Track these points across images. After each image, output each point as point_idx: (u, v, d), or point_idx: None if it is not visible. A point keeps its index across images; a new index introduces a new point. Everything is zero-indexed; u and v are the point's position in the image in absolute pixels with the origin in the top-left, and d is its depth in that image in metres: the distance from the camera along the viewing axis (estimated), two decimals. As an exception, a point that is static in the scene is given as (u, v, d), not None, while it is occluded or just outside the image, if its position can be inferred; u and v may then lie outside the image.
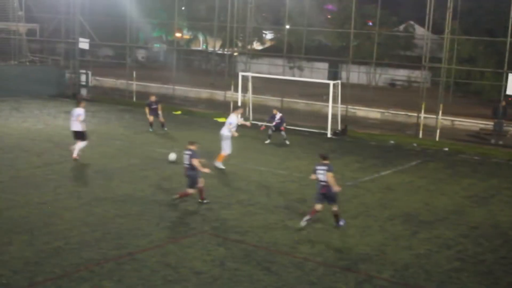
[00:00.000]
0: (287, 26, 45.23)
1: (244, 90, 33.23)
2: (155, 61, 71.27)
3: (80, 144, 21.50)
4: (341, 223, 15.76)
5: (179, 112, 35.56)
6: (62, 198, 17.32)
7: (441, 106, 30.74)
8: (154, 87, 46.13)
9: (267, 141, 26.84)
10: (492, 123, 31.39)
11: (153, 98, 29.52)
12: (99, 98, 39.77)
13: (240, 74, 32.78)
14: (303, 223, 15.43)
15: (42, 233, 14.28)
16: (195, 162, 16.89)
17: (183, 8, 59.13)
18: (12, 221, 15.08)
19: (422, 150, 27.71)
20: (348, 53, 37.19)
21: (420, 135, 30.60)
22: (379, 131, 32.39)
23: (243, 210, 16.90)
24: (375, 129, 33.16)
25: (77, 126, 21.54)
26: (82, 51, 42.27)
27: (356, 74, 53.34)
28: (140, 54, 69.37)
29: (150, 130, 28.85)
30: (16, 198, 16.96)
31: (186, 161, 17.17)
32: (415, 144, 28.78)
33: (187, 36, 70.40)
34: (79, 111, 21.64)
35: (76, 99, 21.77)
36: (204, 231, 14.94)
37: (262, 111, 32.95)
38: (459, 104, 40.68)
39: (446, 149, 27.93)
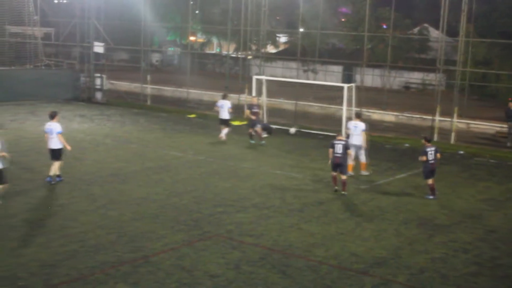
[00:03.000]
0: (301, 29, 45.20)
1: (258, 93, 33.22)
2: (169, 65, 71.53)
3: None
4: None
5: (193, 115, 35.62)
6: (77, 201, 17.40)
7: (456, 109, 30.58)
8: (168, 90, 46.27)
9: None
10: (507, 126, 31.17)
11: (254, 100, 28.06)
12: (114, 102, 39.95)
13: (254, 77, 32.76)
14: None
15: (58, 236, 14.35)
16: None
17: (197, 11, 59.30)
18: (28, 223, 15.17)
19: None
20: (362, 56, 37.12)
21: (435, 138, 30.42)
22: (394, 134, 32.27)
23: (258, 213, 16.88)
24: (390, 132, 33.04)
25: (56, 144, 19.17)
26: (97, 55, 42.46)
27: (370, 77, 53.19)
28: (155, 57, 69.62)
29: (251, 141, 27.18)
30: (32, 201, 17.06)
31: (339, 150, 18.99)
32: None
33: (201, 39, 70.61)
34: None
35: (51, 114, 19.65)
36: (219, 234, 14.94)
37: (276, 114, 32.94)
38: (475, 107, 40.42)
39: (462, 152, 27.77)
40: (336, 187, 19.35)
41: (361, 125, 21.66)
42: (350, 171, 21.29)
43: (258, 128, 26.95)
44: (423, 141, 19.73)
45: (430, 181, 19.28)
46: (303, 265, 13.22)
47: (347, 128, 22.61)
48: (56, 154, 18.99)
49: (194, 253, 13.62)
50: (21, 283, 11.69)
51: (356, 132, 21.58)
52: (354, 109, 29.71)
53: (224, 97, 28.21)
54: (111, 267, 12.62)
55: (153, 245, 13.97)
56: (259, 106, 27.97)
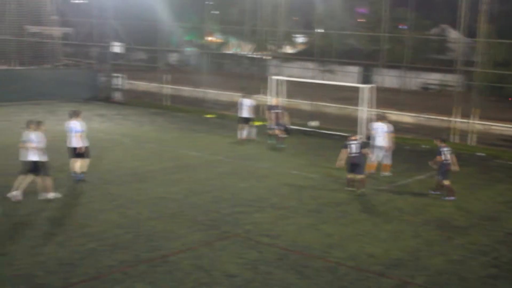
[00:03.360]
0: (318, 30, 45.11)
1: (276, 93, 33.19)
2: (187, 65, 71.59)
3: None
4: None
5: (211, 115, 35.70)
6: (96, 200, 17.50)
7: (474, 110, 30.38)
8: (186, 90, 46.38)
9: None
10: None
11: (275, 101, 27.66)
12: (132, 102, 40.13)
13: (271, 77, 32.76)
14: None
15: (77, 234, 14.44)
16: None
17: (214, 12, 59.37)
18: (48, 222, 15.28)
19: (456, 155, 27.32)
20: (380, 57, 36.99)
21: (453, 140, 30.26)
22: (412, 136, 32.11)
23: (276, 213, 16.88)
24: (408, 133, 32.87)
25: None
26: (115, 54, 42.67)
27: (388, 78, 52.94)
28: (172, 57, 69.74)
29: (269, 141, 26.75)
30: (51, 199, 17.17)
31: (354, 150, 19.14)
32: (448, 149, 28.43)
33: (218, 39, 70.67)
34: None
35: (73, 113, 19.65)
36: (236, 234, 14.96)
37: (293, 114, 32.88)
38: (494, 108, 40.07)
39: (480, 154, 27.57)
40: (352, 189, 19.37)
41: (386, 127, 21.80)
42: (373, 170, 21.46)
43: (279, 130, 26.46)
44: (437, 141, 19.83)
45: (447, 182, 19.17)
46: (320, 266, 13.20)
47: (370, 129, 22.63)
48: (78, 153, 19.16)
49: (212, 253, 13.64)
50: (39, 281, 11.78)
51: (381, 134, 21.66)
52: (372, 110, 29.64)
53: (245, 95, 28.31)
54: (129, 266, 12.68)
55: (171, 245, 14.01)
56: (281, 107, 27.22)
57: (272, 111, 26.52)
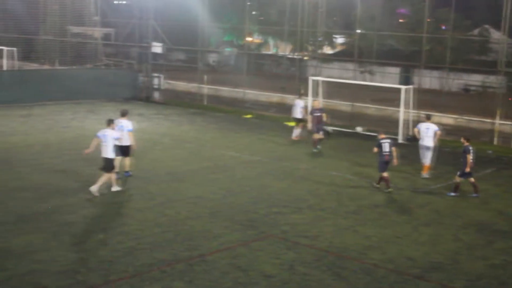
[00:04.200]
0: (358, 30, 44.83)
1: (315, 94, 33.12)
2: (226, 65, 71.94)
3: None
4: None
5: (250, 116, 35.77)
6: (135, 199, 17.71)
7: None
8: (225, 90, 46.56)
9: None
10: None
11: (316, 104, 26.80)
12: (171, 101, 40.43)
13: (311, 78, 32.67)
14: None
15: (116, 232, 14.63)
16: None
17: (253, 12, 59.53)
18: (88, 220, 15.52)
19: (497, 157, 26.94)
20: (420, 58, 36.61)
21: (495, 142, 29.78)
22: (452, 137, 31.66)
23: (313, 214, 16.85)
24: (448, 135, 32.41)
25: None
26: (155, 55, 43.07)
27: (429, 79, 52.34)
28: (211, 58, 70.11)
29: (314, 150, 25.62)
30: (91, 197, 17.40)
31: (387, 148, 19.46)
32: (490, 151, 27.96)
33: (257, 40, 70.82)
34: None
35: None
36: (274, 235, 14.97)
37: (332, 115, 32.76)
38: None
39: (523, 156, 27.08)
40: (378, 186, 19.74)
41: (434, 127, 22.15)
42: (425, 173, 21.99)
43: (317, 135, 25.75)
44: (462, 139, 19.96)
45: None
46: (358, 268, 13.14)
47: (417, 129, 22.70)
48: (125, 151, 19.58)
49: (249, 253, 13.68)
50: (80, 278, 11.96)
51: (429, 134, 21.95)
52: (411, 111, 29.37)
53: (300, 96, 28.68)
54: (167, 264, 12.79)
55: (209, 244, 14.09)
56: (321, 109, 26.45)
57: (314, 114, 25.93)
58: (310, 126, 25.93)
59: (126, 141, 19.40)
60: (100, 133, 18.13)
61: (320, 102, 27.74)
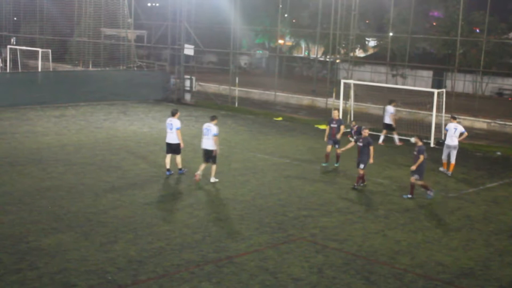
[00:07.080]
0: (391, 33, 44.58)
1: (346, 97, 33.00)
2: (257, 68, 72.09)
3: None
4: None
5: (280, 118, 35.76)
6: (165, 200, 17.83)
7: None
8: (256, 93, 46.64)
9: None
10: None
11: (335, 114, 23.69)
12: (203, 103, 40.62)
13: (342, 81, 32.54)
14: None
15: (146, 233, 14.73)
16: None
17: (286, 15, 59.55)
18: (118, 220, 15.64)
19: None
20: (453, 61, 36.26)
21: (530, 147, 29.34)
22: (485, 142, 31.31)
23: (343, 218, 16.78)
24: (480, 139, 32.08)
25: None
26: (187, 57, 43.27)
27: (462, 83, 51.84)
28: (243, 60, 70.31)
29: (323, 164, 23.35)
30: (122, 198, 17.57)
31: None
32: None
33: (289, 42, 70.81)
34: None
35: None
36: (303, 238, 14.95)
37: (363, 119, 32.61)
38: None
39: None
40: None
41: (461, 128, 22.82)
42: (450, 171, 22.54)
43: (330, 147, 23.22)
44: (415, 138, 19.83)
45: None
46: (387, 272, 13.05)
47: (445, 131, 23.40)
48: (174, 148, 20.38)
49: (278, 255, 13.67)
50: (109, 277, 12.08)
51: (456, 134, 22.62)
52: (442, 115, 29.11)
53: (390, 103, 29.24)
54: (196, 265, 12.85)
55: (238, 246, 14.12)
56: (339, 120, 23.31)
57: (330, 125, 23.19)
58: (326, 138, 23.38)
59: (176, 139, 20.28)
60: (204, 127, 19.75)
61: (338, 114, 23.97)
